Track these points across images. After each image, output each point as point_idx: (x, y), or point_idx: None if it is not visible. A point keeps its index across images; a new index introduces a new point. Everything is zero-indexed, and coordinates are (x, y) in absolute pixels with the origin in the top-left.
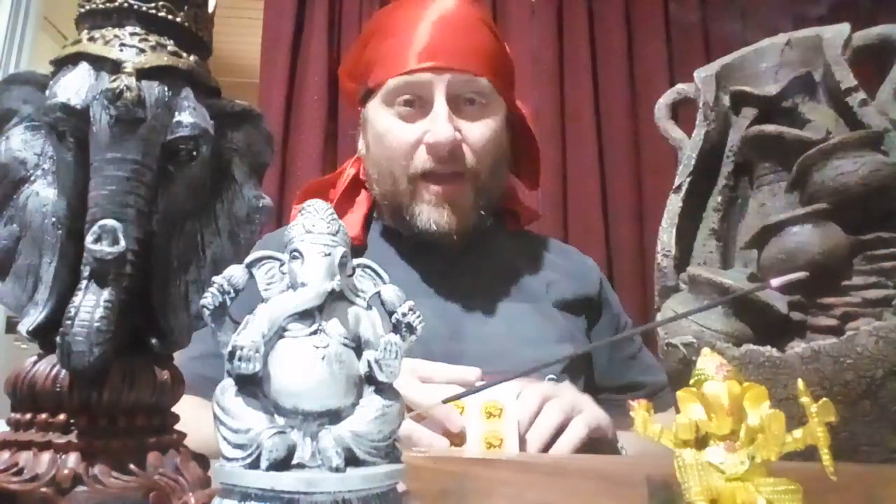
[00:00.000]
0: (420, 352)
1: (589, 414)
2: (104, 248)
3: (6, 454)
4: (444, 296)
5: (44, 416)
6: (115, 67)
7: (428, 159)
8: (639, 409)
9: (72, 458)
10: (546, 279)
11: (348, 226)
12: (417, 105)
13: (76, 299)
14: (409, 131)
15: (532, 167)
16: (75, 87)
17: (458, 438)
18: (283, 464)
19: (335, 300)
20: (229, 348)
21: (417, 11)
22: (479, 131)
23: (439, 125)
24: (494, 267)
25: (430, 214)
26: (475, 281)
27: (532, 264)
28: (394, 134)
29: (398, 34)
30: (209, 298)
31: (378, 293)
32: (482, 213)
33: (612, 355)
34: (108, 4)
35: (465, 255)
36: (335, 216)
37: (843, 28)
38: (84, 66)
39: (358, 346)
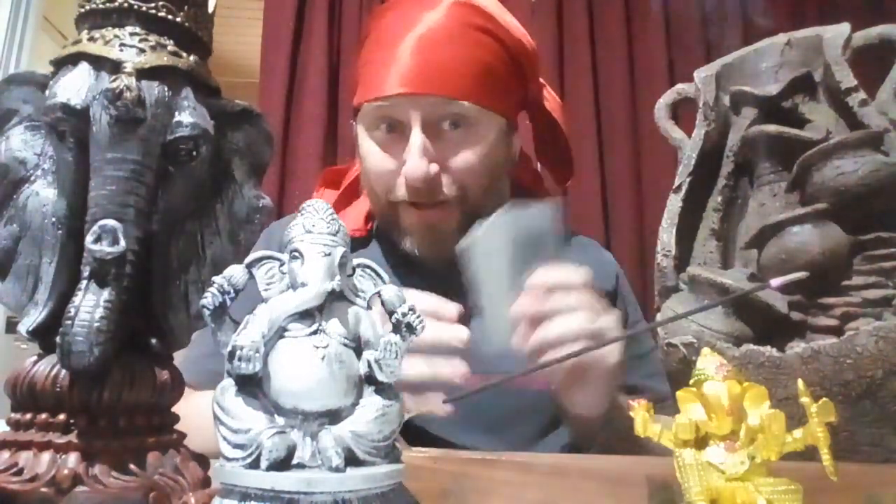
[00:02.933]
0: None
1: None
2: (104, 248)
3: (6, 454)
4: (449, 297)
5: (44, 416)
6: (115, 67)
7: (405, 190)
8: (639, 409)
9: (72, 458)
10: None
11: (353, 217)
12: (398, 130)
13: (76, 299)
14: (388, 160)
15: (562, 159)
16: (75, 87)
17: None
18: (283, 464)
19: (335, 300)
20: (229, 348)
21: (405, 22)
22: (462, 159)
23: (412, 160)
24: None
25: (413, 239)
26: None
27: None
28: (374, 160)
29: (382, 49)
30: (209, 298)
31: (378, 293)
32: None
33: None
34: (108, 4)
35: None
36: (335, 216)
37: (843, 28)
38: (84, 66)
39: (358, 346)
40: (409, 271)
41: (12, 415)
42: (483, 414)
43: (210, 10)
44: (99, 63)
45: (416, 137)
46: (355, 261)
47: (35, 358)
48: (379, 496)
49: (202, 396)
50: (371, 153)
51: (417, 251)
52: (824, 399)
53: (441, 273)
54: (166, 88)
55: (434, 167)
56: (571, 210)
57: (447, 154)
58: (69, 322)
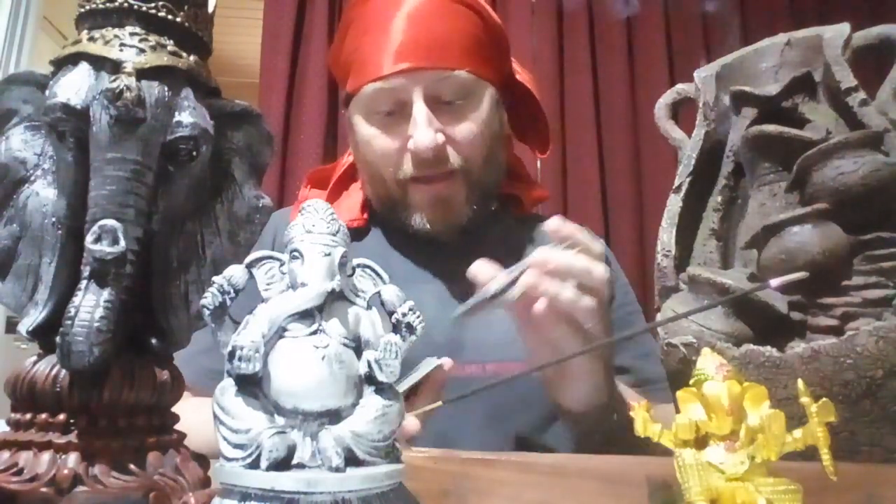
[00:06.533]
0: (422, 340)
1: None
2: (104, 248)
3: (6, 454)
4: (446, 284)
5: (44, 416)
6: (115, 67)
7: (413, 165)
8: (639, 409)
9: (72, 458)
10: None
11: (348, 207)
12: (397, 110)
13: (76, 299)
14: (392, 139)
15: (539, 130)
16: (75, 87)
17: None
18: (283, 464)
19: (335, 300)
20: (229, 348)
21: (390, 4)
22: (465, 129)
23: (419, 132)
24: (498, 254)
25: (423, 214)
26: None
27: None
28: (377, 143)
29: (372, 32)
30: (209, 298)
31: (378, 293)
32: (478, 205)
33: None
34: (108, 4)
35: (469, 242)
36: (335, 216)
37: (843, 28)
38: (84, 66)
39: (358, 346)
40: (412, 252)
41: (12, 415)
42: (483, 406)
43: (210, 10)
44: (99, 63)
45: (421, 109)
46: (355, 261)
47: (35, 358)
48: (379, 496)
49: (196, 410)
50: (373, 136)
51: (429, 225)
52: (824, 399)
53: (446, 250)
54: (166, 88)
55: (440, 136)
56: (571, 210)
57: (450, 125)
58: (69, 322)
